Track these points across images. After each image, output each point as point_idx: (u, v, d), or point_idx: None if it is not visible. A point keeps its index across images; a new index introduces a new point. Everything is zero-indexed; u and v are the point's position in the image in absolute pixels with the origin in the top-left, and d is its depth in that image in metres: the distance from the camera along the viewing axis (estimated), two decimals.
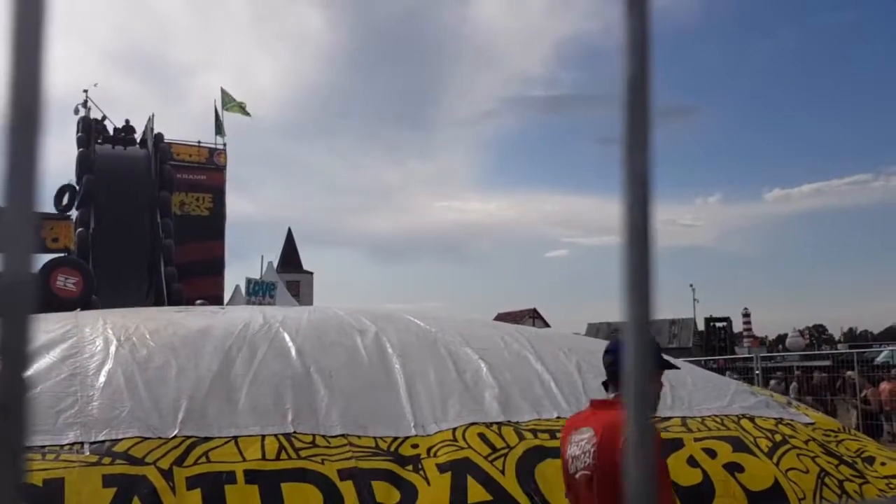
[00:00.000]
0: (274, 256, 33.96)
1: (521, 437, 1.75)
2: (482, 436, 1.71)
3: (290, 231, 41.81)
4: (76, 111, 25.91)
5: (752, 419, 2.07)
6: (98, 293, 18.39)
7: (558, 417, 1.85)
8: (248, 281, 20.34)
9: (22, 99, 0.37)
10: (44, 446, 1.51)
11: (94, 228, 21.24)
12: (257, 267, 22.54)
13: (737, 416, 2.06)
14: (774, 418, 2.10)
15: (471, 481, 1.63)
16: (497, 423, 1.78)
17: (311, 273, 38.84)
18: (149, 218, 22.56)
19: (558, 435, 1.78)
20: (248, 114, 28.22)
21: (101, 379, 1.70)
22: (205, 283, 24.29)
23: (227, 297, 23.73)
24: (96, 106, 26.45)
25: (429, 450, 1.68)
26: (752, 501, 1.75)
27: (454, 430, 1.73)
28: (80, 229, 21.09)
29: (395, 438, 1.67)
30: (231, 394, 1.73)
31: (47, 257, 19.78)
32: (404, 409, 1.78)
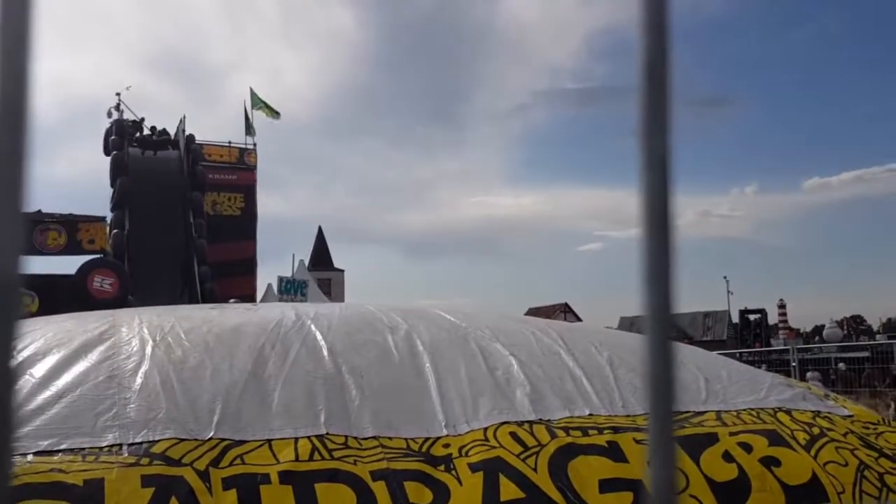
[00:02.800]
0: (305, 255, 34.21)
1: (553, 436, 1.74)
2: (514, 434, 1.70)
3: (320, 229, 42.11)
4: (109, 114, 26.37)
5: (788, 412, 2.03)
6: (133, 294, 18.71)
7: (590, 415, 1.83)
8: (280, 279, 20.55)
9: (8, 95, 0.36)
10: (83, 448, 1.54)
11: (128, 230, 21.60)
12: (289, 265, 22.81)
13: (773, 409, 2.02)
14: (812, 411, 2.06)
15: (503, 479, 1.63)
16: (529, 421, 1.76)
17: (343, 271, 39.10)
18: (182, 218, 22.88)
19: (590, 433, 1.76)
20: (276, 114, 28.43)
21: (138, 381, 1.73)
22: (237, 283, 24.59)
23: (259, 295, 24.01)
24: (129, 109, 26.87)
25: (460, 449, 1.68)
26: (790, 495, 1.72)
27: (485, 429, 1.72)
28: (115, 231, 21.47)
29: (427, 439, 1.67)
30: (264, 395, 1.75)
31: (84, 259, 20.16)
32: (435, 409, 1.77)
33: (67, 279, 19.16)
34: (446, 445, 1.68)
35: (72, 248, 20.96)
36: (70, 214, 21.58)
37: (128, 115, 26.60)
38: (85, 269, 19.30)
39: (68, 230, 20.99)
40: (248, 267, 26.99)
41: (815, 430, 1.94)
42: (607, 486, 1.64)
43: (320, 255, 39.37)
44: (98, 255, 20.59)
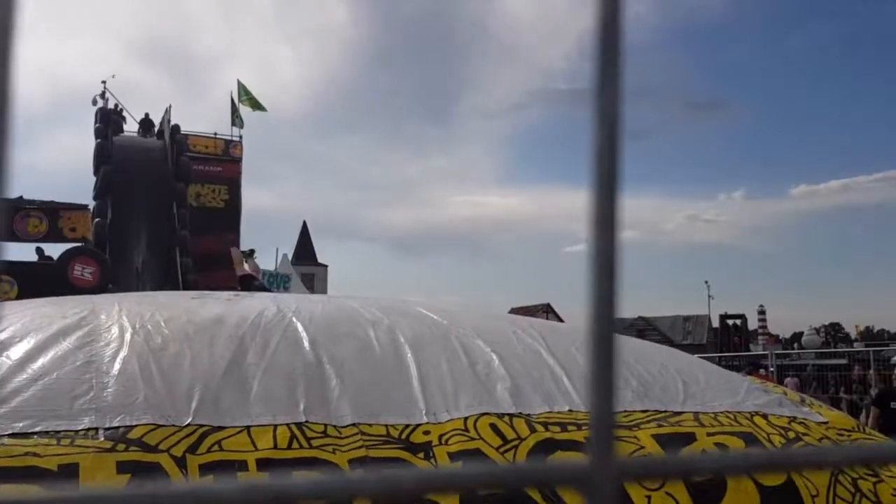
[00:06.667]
0: (290, 249, 34.12)
1: (533, 430, 1.75)
2: (494, 426, 1.71)
3: (304, 224, 41.97)
4: (94, 102, 26.15)
5: (765, 416, 2.05)
6: (114, 283, 18.57)
7: (570, 411, 1.83)
8: (263, 273, 20.45)
9: None
10: (59, 431, 1.52)
11: (111, 219, 21.44)
12: (272, 259, 22.68)
13: (750, 412, 2.04)
14: (787, 416, 2.09)
15: None
16: (509, 414, 1.77)
17: (326, 266, 39.00)
18: (165, 209, 22.73)
19: (569, 428, 1.76)
20: (262, 108, 28.23)
21: (117, 366, 1.71)
22: (220, 275, 24.42)
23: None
24: (114, 97, 26.66)
25: (440, 437, 1.68)
26: (765, 497, 1.74)
27: (466, 419, 1.72)
28: (97, 219, 21.30)
29: (407, 426, 1.67)
30: (244, 384, 1.74)
31: (65, 247, 19.99)
32: (416, 398, 1.77)
33: (48, 266, 18.99)
34: (426, 432, 1.68)
35: (53, 236, 20.78)
36: (52, 202, 21.39)
37: (113, 104, 26.38)
38: (66, 257, 19.13)
39: (50, 218, 20.80)
40: (230, 260, 26.84)
41: (791, 435, 1.96)
42: None
43: (304, 250, 39.25)
44: (79, 244, 20.43)
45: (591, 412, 0.41)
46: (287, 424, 1.65)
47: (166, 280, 21.61)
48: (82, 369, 1.70)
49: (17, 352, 1.78)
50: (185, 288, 20.29)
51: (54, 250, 20.20)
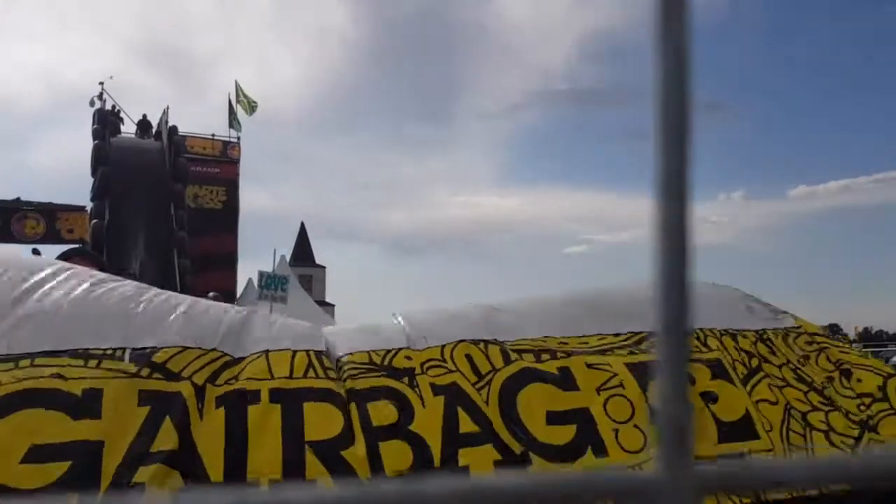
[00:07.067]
0: (287, 251, 34.16)
1: (508, 360, 1.87)
2: (469, 357, 1.82)
3: (302, 225, 41.97)
4: (92, 103, 26.19)
5: (734, 336, 2.10)
6: None
7: (544, 337, 1.96)
8: (261, 274, 20.43)
9: None
10: (87, 349, 1.59)
11: (108, 220, 21.48)
12: (270, 261, 22.71)
13: (720, 330, 2.10)
14: (755, 332, 2.13)
15: (461, 412, 1.75)
16: (484, 340, 1.89)
17: (324, 267, 39.02)
18: (163, 210, 22.78)
19: (543, 357, 1.88)
20: (253, 109, 28.23)
21: (150, 292, 1.82)
22: (218, 277, 24.46)
23: (239, 290, 23.93)
24: (111, 98, 26.72)
25: (422, 365, 1.79)
26: (722, 431, 1.86)
27: (443, 347, 1.84)
28: (94, 221, 21.33)
29: (388, 351, 1.79)
30: (269, 321, 1.85)
31: (62, 248, 20.02)
32: (398, 329, 1.90)
33: None
34: (408, 358, 1.79)
35: (50, 237, 20.82)
36: (49, 203, 21.44)
37: (111, 105, 26.44)
38: (63, 259, 19.16)
39: (47, 219, 20.85)
40: (228, 261, 26.88)
41: (755, 362, 2.05)
42: (554, 418, 1.77)
43: (302, 251, 39.28)
44: (77, 245, 20.46)
45: (661, 412, 0.37)
46: (306, 351, 1.74)
47: (164, 281, 21.61)
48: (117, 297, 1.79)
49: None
50: (183, 289, 20.33)
51: (51, 252, 20.24)
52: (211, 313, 1.82)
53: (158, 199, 22.80)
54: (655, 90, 0.39)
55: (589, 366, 1.88)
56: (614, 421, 1.78)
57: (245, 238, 28.36)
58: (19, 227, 20.57)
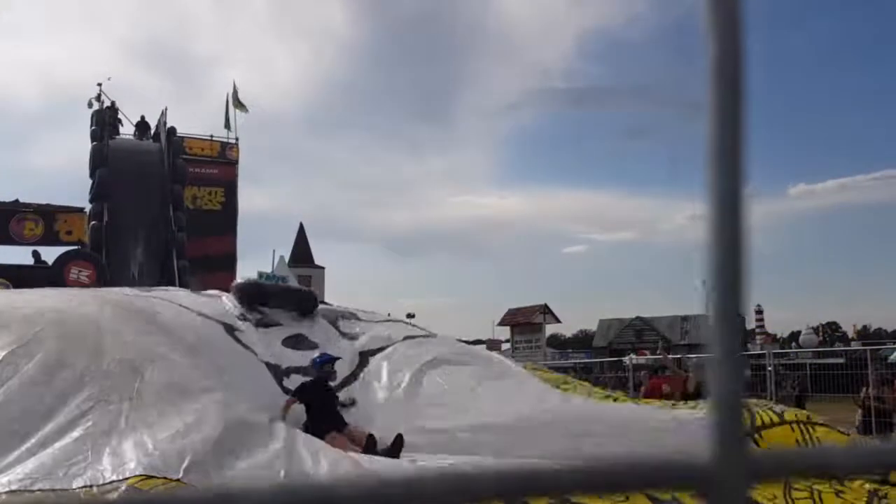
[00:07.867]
0: (286, 251, 34.08)
1: None
2: None
3: (301, 226, 41.89)
4: (90, 105, 26.12)
5: None
6: (110, 286, 18.54)
7: None
8: (260, 275, 20.37)
9: None
10: None
11: (107, 222, 21.39)
12: (269, 261, 22.63)
13: None
14: None
15: None
16: None
17: (323, 268, 38.93)
18: (162, 212, 22.69)
19: None
20: (245, 109, 28.17)
21: None
22: (217, 278, 24.39)
23: None
24: (109, 99, 26.64)
25: None
26: None
27: None
28: (93, 222, 21.25)
29: None
30: None
31: (61, 250, 19.93)
32: None
33: (44, 270, 18.95)
34: None
35: (49, 239, 20.74)
36: (48, 205, 21.35)
37: (110, 106, 26.36)
38: (62, 261, 19.09)
39: (46, 220, 20.76)
40: (227, 262, 26.80)
41: None
42: None
43: (301, 252, 39.23)
44: (76, 247, 20.39)
45: (714, 397, 0.36)
46: None
47: (163, 282, 21.57)
48: None
49: None
50: None
51: (50, 253, 20.17)
52: None
53: (157, 200, 22.71)
54: (708, 104, 0.41)
55: None
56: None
57: (244, 239, 28.33)
58: (18, 229, 20.49)
